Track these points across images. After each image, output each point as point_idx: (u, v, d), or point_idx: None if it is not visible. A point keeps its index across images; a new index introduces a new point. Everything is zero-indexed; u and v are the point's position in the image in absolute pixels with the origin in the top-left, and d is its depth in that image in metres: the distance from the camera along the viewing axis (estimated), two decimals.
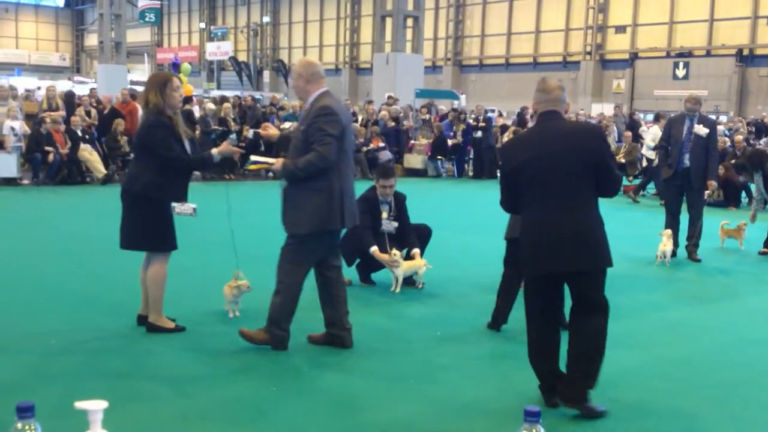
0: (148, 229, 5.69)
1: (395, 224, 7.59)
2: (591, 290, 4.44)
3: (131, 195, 5.68)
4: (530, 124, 23.33)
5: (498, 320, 6.16)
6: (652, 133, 15.81)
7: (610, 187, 4.50)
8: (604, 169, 4.42)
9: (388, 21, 29.60)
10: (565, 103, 4.64)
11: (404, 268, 7.20)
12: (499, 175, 4.86)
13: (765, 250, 10.05)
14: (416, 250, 7.52)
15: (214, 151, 5.85)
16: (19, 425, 1.79)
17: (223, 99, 20.65)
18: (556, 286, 4.51)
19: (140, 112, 17.39)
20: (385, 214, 7.55)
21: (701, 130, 9.30)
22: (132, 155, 6.05)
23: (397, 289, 7.17)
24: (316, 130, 5.21)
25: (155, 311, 5.82)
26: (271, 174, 11.83)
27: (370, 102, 22.79)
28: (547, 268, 4.40)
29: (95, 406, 1.84)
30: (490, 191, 16.97)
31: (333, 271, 5.62)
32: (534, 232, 4.41)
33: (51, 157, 14.93)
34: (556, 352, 4.55)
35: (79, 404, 1.87)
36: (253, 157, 5.73)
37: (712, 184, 9.64)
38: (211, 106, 18.20)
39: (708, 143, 9.33)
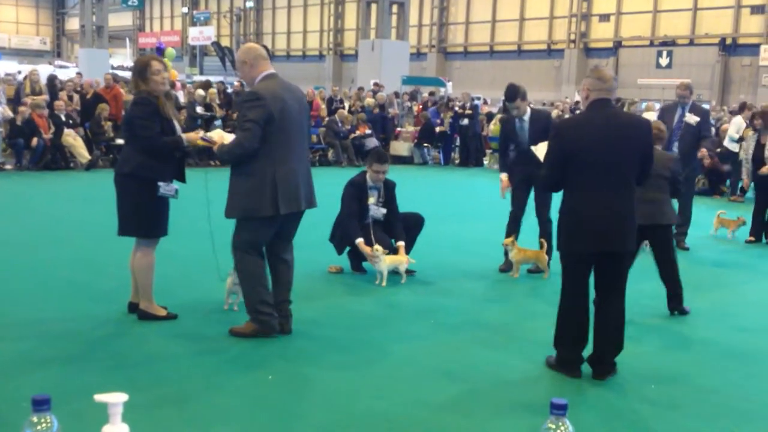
0: (138, 214, 5.59)
1: (383, 211, 7.55)
2: (625, 269, 4.86)
3: (122, 177, 5.59)
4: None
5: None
6: (736, 124, 15.04)
7: (645, 177, 4.94)
8: (649, 160, 4.85)
9: (374, 7, 29.49)
10: (615, 92, 4.92)
11: (387, 263, 7.14)
12: (547, 153, 4.96)
13: (752, 238, 10.12)
14: (401, 243, 7.41)
15: (184, 135, 5.73)
16: (35, 418, 1.74)
17: (207, 84, 20.47)
18: (593, 263, 4.83)
19: (124, 97, 17.29)
20: (372, 200, 7.49)
21: (691, 118, 9.34)
22: (122, 139, 5.94)
23: (383, 283, 7.13)
24: (240, 116, 5.22)
25: (146, 298, 5.76)
26: None
27: (360, 88, 22.69)
28: (601, 247, 4.71)
29: (115, 399, 1.80)
30: (477, 179, 17.07)
31: (280, 261, 5.52)
32: (590, 210, 4.67)
33: (34, 141, 14.75)
34: (588, 325, 4.88)
35: (99, 397, 1.82)
36: (206, 134, 5.69)
37: (704, 151, 9.52)
38: (200, 92, 18.05)
39: (699, 130, 9.35)
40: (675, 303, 6.52)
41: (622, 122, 4.77)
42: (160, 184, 5.56)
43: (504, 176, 7.91)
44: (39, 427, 1.75)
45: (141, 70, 5.58)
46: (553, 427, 1.80)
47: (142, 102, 5.54)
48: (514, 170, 7.95)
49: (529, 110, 7.74)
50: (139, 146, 5.52)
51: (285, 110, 5.17)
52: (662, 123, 7.37)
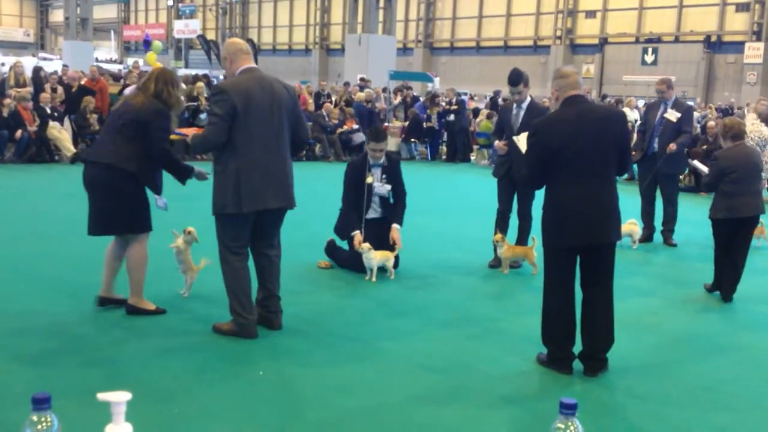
0: (135, 209, 5.56)
1: (388, 187, 7.52)
2: (611, 262, 4.86)
3: (122, 173, 5.42)
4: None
5: (719, 285, 7.07)
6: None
7: (626, 166, 5.06)
8: (626, 150, 4.96)
9: (360, 1, 29.44)
10: (583, 86, 4.85)
11: (377, 258, 7.14)
12: (527, 152, 5.03)
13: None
14: (394, 226, 7.38)
15: (197, 169, 5.82)
16: (35, 417, 1.72)
17: (194, 78, 20.44)
18: (579, 258, 4.86)
19: (110, 90, 17.17)
20: (370, 179, 7.44)
21: (672, 115, 9.33)
22: (122, 132, 5.52)
23: (373, 279, 7.12)
24: (209, 110, 5.25)
25: (136, 293, 5.70)
26: None
27: (346, 83, 22.66)
28: (586, 240, 4.75)
29: (118, 398, 1.77)
30: (464, 174, 17.07)
31: (263, 257, 5.47)
32: (573, 204, 4.71)
33: (18, 133, 14.63)
34: (575, 321, 4.88)
35: (102, 396, 1.80)
36: (176, 131, 5.77)
37: (671, 146, 9.23)
38: (182, 86, 17.94)
39: (680, 127, 9.34)
40: (730, 291, 6.95)
41: (597, 116, 4.82)
42: (157, 197, 5.67)
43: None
44: (39, 427, 1.72)
45: (177, 82, 5.70)
46: (563, 426, 1.79)
47: (165, 113, 5.54)
48: (498, 164, 8.02)
49: (529, 99, 7.76)
50: (147, 151, 5.47)
51: (250, 105, 5.07)
52: (739, 120, 7.40)
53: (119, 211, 5.56)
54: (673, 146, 9.21)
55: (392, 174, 7.56)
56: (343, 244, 7.62)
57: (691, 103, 27.22)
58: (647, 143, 9.55)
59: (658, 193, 9.78)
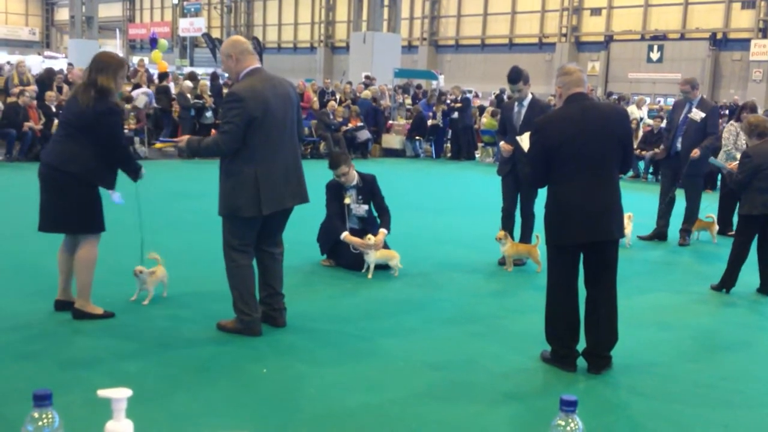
0: (82, 210, 5.41)
1: (365, 207, 7.52)
2: (614, 259, 4.87)
3: (65, 175, 5.31)
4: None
5: (727, 283, 7.11)
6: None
7: (629, 164, 5.07)
8: (629, 147, 4.96)
9: None
10: (587, 84, 5.03)
11: (376, 255, 7.13)
12: (529, 151, 5.04)
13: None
14: (382, 230, 7.34)
15: (143, 171, 5.67)
16: (36, 414, 1.72)
17: (192, 75, 20.52)
18: (581, 255, 4.88)
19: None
20: (348, 200, 7.44)
21: (696, 114, 9.21)
22: (62, 130, 5.46)
23: (370, 275, 7.12)
24: (222, 115, 5.20)
25: (84, 296, 5.53)
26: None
27: (348, 83, 22.68)
28: (588, 237, 4.75)
29: (119, 395, 1.78)
30: (468, 172, 17.06)
31: (267, 255, 5.47)
32: (576, 201, 4.72)
33: (24, 127, 14.66)
34: (579, 319, 4.90)
35: (103, 392, 1.80)
36: (161, 138, 5.70)
37: (696, 152, 9.11)
38: (188, 83, 17.97)
39: (705, 127, 9.17)
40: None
41: (599, 113, 4.84)
42: (111, 192, 5.55)
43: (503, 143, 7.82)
44: (41, 423, 1.72)
45: (117, 67, 5.39)
46: (563, 423, 1.79)
47: (116, 113, 5.46)
48: (502, 162, 8.01)
49: (530, 96, 7.74)
50: (100, 152, 5.33)
51: (268, 110, 5.07)
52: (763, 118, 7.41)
53: (66, 209, 5.40)
54: (696, 152, 9.11)
55: (368, 194, 7.53)
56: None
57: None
58: (671, 143, 9.50)
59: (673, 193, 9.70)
